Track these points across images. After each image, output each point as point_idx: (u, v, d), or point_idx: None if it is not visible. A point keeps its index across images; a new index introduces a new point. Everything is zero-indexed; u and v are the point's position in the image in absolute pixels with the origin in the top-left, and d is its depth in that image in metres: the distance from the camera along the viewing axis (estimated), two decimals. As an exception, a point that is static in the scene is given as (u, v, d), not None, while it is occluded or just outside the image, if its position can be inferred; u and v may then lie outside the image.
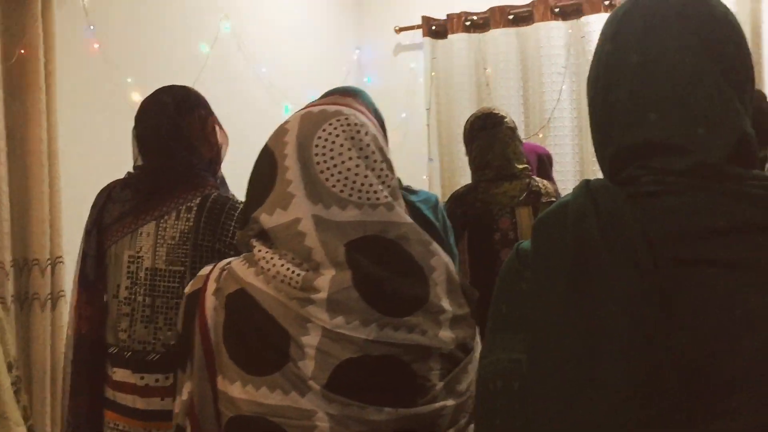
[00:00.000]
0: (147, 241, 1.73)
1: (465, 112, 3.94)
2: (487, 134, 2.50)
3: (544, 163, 3.02)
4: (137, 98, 1.89)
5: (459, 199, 2.54)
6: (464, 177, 2.94)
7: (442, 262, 1.09)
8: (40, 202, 2.45)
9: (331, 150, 1.08)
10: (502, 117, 2.53)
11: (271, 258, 1.06)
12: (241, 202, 1.75)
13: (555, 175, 3.92)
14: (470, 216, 2.46)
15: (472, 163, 2.58)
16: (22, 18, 2.46)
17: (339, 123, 1.10)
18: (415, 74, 4.54)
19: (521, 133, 4.02)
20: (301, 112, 1.15)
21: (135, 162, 1.86)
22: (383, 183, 1.10)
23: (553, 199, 2.45)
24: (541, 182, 2.49)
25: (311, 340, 1.00)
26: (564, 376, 0.74)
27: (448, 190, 3.61)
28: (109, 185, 1.86)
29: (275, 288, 1.04)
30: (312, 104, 1.17)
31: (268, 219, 1.07)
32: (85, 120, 2.78)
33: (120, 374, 1.72)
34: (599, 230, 0.77)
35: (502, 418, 0.83)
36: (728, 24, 0.84)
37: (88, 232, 1.81)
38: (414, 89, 4.54)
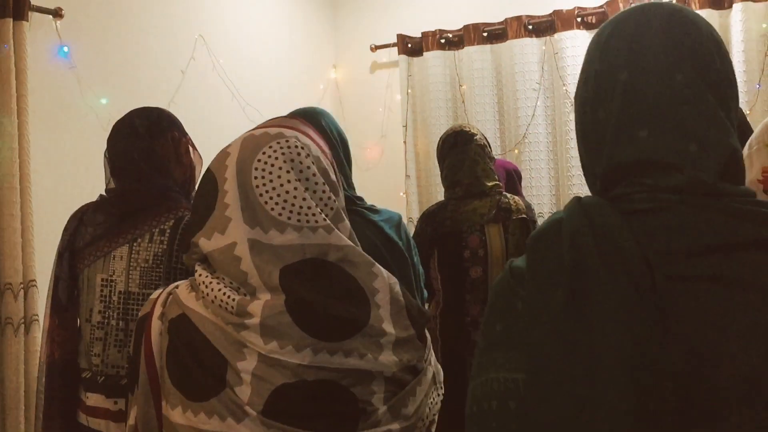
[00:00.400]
0: (120, 264, 1.71)
1: (441, 128, 3.97)
2: (457, 152, 2.51)
3: (512, 179, 3.04)
4: (112, 120, 1.88)
5: (429, 217, 2.54)
6: (441, 193, 2.97)
7: (386, 284, 1.09)
8: (12, 226, 2.42)
9: (270, 173, 1.07)
10: (473, 134, 2.54)
11: (210, 282, 1.06)
12: None
13: (531, 190, 3.97)
14: (440, 234, 2.46)
15: (443, 180, 2.59)
16: (-7, 40, 2.45)
17: (279, 146, 1.10)
18: (391, 91, 4.57)
19: (497, 149, 4.07)
20: (244, 135, 1.14)
21: (107, 185, 1.84)
22: (325, 205, 1.10)
23: (524, 216, 2.46)
24: (512, 199, 2.49)
25: (247, 365, 1.00)
26: (562, 395, 0.74)
27: (426, 207, 3.62)
28: (81, 208, 1.84)
29: (213, 313, 1.04)
30: (256, 126, 1.17)
31: (206, 243, 1.07)
32: (58, 142, 2.76)
33: (93, 399, 1.70)
34: (596, 248, 0.76)
35: None
36: (713, 41, 0.84)
37: (60, 256, 1.79)
38: (391, 106, 4.57)
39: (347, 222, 1.14)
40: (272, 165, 1.08)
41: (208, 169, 1.14)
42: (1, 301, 2.43)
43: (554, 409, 0.74)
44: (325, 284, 1.04)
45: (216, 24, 3.65)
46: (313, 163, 1.12)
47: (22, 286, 2.45)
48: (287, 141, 1.11)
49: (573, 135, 3.84)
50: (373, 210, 2.03)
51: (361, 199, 2.01)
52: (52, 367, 1.75)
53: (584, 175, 0.92)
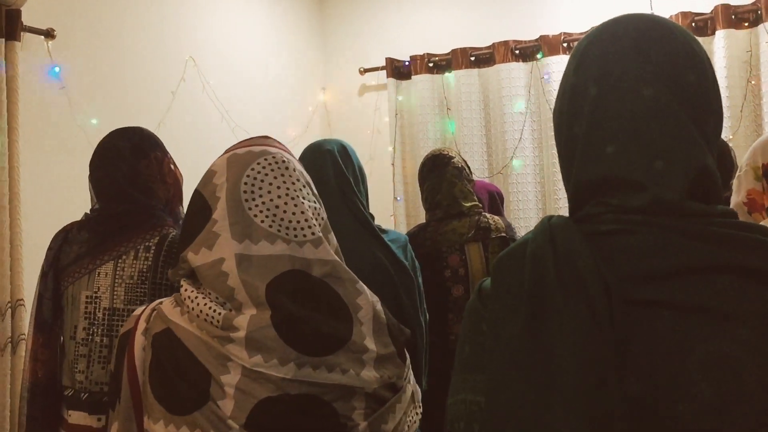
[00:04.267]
0: (105, 281, 1.72)
1: (429, 151, 4.00)
2: (435, 175, 2.57)
3: (495, 201, 3.08)
4: (102, 140, 1.89)
5: (410, 238, 2.58)
6: (428, 215, 3.05)
7: (368, 301, 1.10)
8: (1, 245, 2.42)
9: (260, 188, 1.10)
10: (450, 158, 2.59)
11: (196, 297, 1.06)
12: None
13: (518, 213, 4.02)
14: (420, 255, 2.50)
15: (424, 203, 2.65)
16: (-16, 60, 2.47)
17: (266, 161, 1.13)
18: (380, 114, 4.61)
19: (484, 172, 4.11)
20: (227, 154, 1.17)
21: (93, 205, 1.86)
22: (313, 217, 1.12)
23: (503, 234, 2.49)
24: (491, 218, 2.53)
25: (231, 379, 1.00)
26: (518, 422, 0.71)
27: (413, 228, 3.65)
28: (65, 227, 1.85)
29: (198, 327, 1.05)
30: (234, 146, 1.19)
31: (194, 258, 1.09)
32: (48, 162, 2.77)
33: (75, 417, 1.70)
34: (555, 272, 0.74)
35: None
36: (689, 53, 0.81)
37: (44, 275, 1.80)
38: (379, 129, 4.61)
39: (332, 235, 1.16)
40: (261, 180, 1.10)
41: (196, 189, 1.16)
42: (-12, 320, 2.43)
43: None
44: (309, 299, 1.05)
45: (206, 46, 3.69)
46: (300, 177, 1.14)
47: (9, 305, 2.44)
48: (273, 157, 1.14)
49: (559, 158, 3.90)
50: (380, 230, 2.09)
51: (373, 218, 2.08)
52: (35, 386, 1.75)
53: (566, 192, 0.89)
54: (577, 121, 0.84)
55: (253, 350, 1.01)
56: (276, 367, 1.00)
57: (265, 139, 1.20)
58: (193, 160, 3.32)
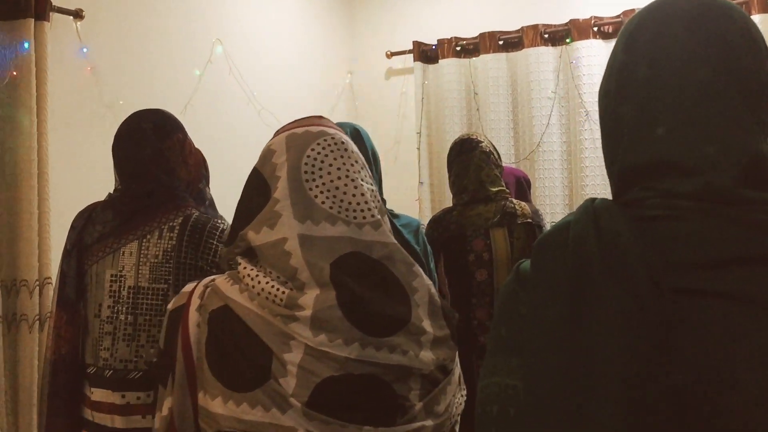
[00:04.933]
0: (129, 260, 1.74)
1: (455, 136, 3.97)
2: (463, 159, 2.56)
3: (522, 186, 3.07)
4: (129, 122, 1.90)
5: (436, 222, 2.59)
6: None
7: (425, 284, 1.11)
8: (29, 224, 2.45)
9: (320, 168, 1.10)
10: (478, 142, 2.58)
11: (256, 275, 1.07)
12: (222, 223, 1.77)
13: (544, 199, 3.99)
14: (445, 238, 2.50)
15: (451, 187, 2.65)
16: (13, 40, 2.49)
17: (326, 142, 1.13)
18: (406, 98, 4.59)
19: (511, 158, 4.08)
20: (284, 133, 1.17)
21: (116, 186, 1.87)
22: (372, 200, 1.12)
23: (530, 220, 2.49)
24: (517, 203, 2.52)
25: (294, 357, 1.00)
26: (557, 409, 0.70)
27: (438, 213, 3.64)
28: (88, 207, 1.87)
29: (259, 305, 1.05)
30: (291, 126, 1.19)
31: (255, 237, 1.09)
32: (76, 142, 2.80)
33: (98, 394, 1.72)
34: (599, 256, 0.72)
35: None
36: (746, 36, 0.78)
37: (68, 253, 1.82)
38: (405, 113, 4.59)
39: (387, 217, 1.16)
40: (321, 161, 1.11)
41: (255, 168, 1.16)
42: (17, 297, 2.46)
43: (549, 421, 0.71)
44: (371, 280, 1.06)
45: (234, 28, 3.69)
46: (357, 158, 1.15)
47: (37, 283, 2.48)
48: (332, 138, 1.15)
49: (587, 144, 3.88)
50: (393, 215, 2.09)
51: (385, 202, 2.08)
52: (58, 363, 1.77)
53: (607, 174, 0.87)
54: (626, 102, 0.81)
55: (318, 329, 1.01)
56: (340, 346, 1.01)
57: (320, 119, 1.20)
58: (219, 141, 3.35)
